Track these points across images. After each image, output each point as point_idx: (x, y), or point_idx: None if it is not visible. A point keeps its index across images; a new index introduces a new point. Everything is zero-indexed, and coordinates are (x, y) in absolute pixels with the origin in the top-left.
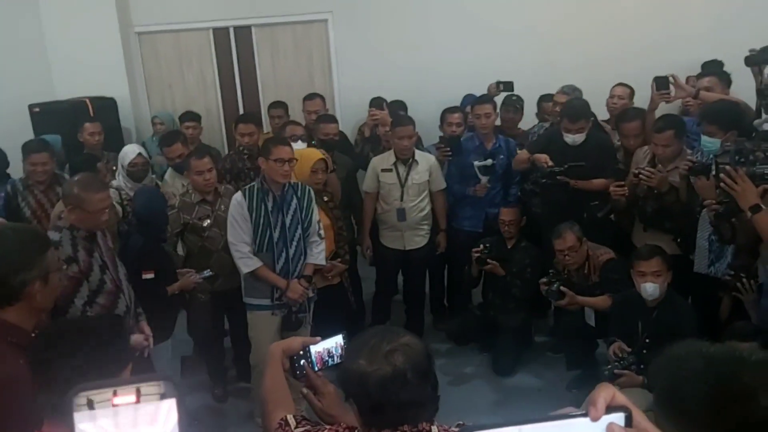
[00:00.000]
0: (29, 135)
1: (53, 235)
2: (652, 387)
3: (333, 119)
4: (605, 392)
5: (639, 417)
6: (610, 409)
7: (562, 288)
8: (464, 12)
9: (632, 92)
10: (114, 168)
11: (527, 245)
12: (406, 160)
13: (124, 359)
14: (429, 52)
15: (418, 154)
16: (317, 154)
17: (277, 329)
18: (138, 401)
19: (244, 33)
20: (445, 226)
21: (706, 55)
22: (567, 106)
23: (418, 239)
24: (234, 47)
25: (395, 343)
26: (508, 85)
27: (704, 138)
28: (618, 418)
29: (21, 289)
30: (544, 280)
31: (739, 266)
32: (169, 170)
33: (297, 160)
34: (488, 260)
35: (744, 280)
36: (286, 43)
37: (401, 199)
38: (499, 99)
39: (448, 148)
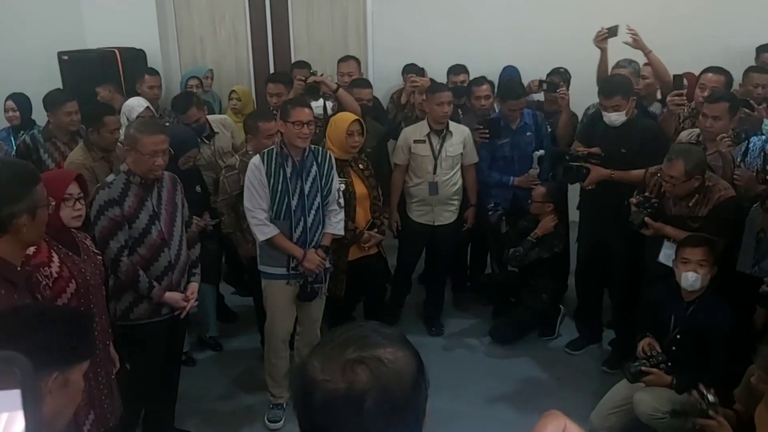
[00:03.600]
0: (57, 83)
1: (109, 177)
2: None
3: (368, 84)
4: (554, 423)
5: None
6: None
7: (646, 219)
8: None
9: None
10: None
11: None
12: (440, 131)
13: (76, 357)
14: (469, 19)
15: (452, 126)
16: (352, 115)
17: (293, 299)
18: None
19: None
20: (476, 202)
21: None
22: (603, 81)
23: (447, 215)
24: (268, 3)
25: (366, 353)
26: (552, 86)
27: (766, 120)
28: None
29: (8, 221)
30: (634, 201)
31: None
32: None
33: (320, 120)
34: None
35: None
36: (321, 3)
37: (434, 172)
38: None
39: (487, 131)
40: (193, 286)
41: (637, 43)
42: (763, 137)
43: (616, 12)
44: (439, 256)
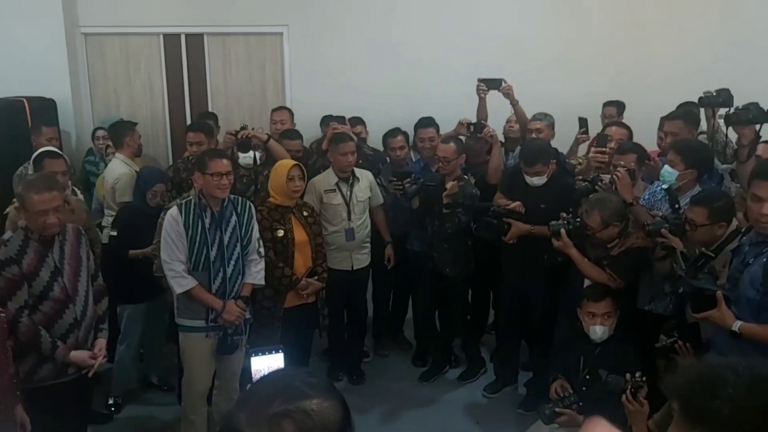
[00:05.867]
0: None
1: (6, 234)
2: (677, 398)
3: (296, 135)
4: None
5: None
6: None
7: (562, 231)
8: (422, 34)
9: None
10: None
11: (465, 183)
12: (347, 178)
13: None
14: (383, 72)
15: (357, 171)
16: (291, 161)
17: (211, 352)
18: None
19: (195, 40)
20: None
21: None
22: (524, 148)
23: (363, 257)
24: (185, 54)
25: (291, 406)
26: (478, 126)
27: (666, 167)
28: None
29: None
30: (562, 216)
31: (673, 327)
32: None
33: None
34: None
35: (680, 342)
36: (239, 54)
37: (349, 219)
38: None
39: (401, 183)
40: (101, 343)
41: (509, 96)
42: (662, 185)
43: (499, 69)
44: (360, 299)
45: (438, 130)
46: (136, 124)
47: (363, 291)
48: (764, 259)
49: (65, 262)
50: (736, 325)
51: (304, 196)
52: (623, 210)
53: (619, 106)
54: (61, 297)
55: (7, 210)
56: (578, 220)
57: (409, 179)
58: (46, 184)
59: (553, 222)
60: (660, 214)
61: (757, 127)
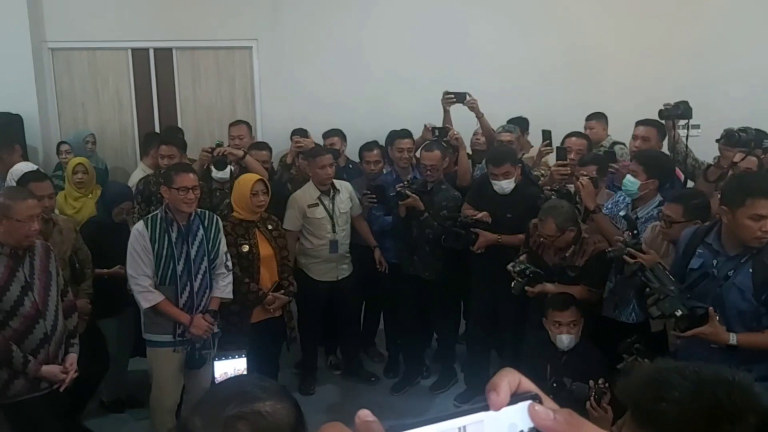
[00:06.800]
0: None
1: None
2: (626, 404)
3: (266, 146)
4: (510, 377)
5: (550, 403)
6: (516, 397)
7: (527, 288)
8: (391, 48)
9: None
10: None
11: (447, 187)
12: (328, 191)
13: None
14: (353, 86)
15: (336, 182)
16: (255, 176)
17: (179, 367)
18: None
19: (164, 55)
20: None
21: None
22: (490, 151)
23: (346, 266)
24: (153, 69)
25: (246, 408)
26: (443, 131)
27: (628, 177)
28: (523, 408)
29: None
30: (511, 269)
31: (632, 343)
32: None
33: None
34: (408, 194)
35: (639, 359)
36: (208, 68)
37: (333, 231)
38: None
39: (375, 196)
40: (72, 357)
41: (474, 109)
42: (624, 196)
43: (468, 82)
44: (348, 308)
45: (414, 143)
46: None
47: (353, 299)
48: (750, 270)
49: (36, 276)
50: (733, 338)
51: (287, 212)
52: (575, 214)
53: (601, 119)
54: (31, 312)
55: None
56: (531, 271)
57: (402, 185)
58: (27, 192)
59: (514, 283)
60: (621, 239)
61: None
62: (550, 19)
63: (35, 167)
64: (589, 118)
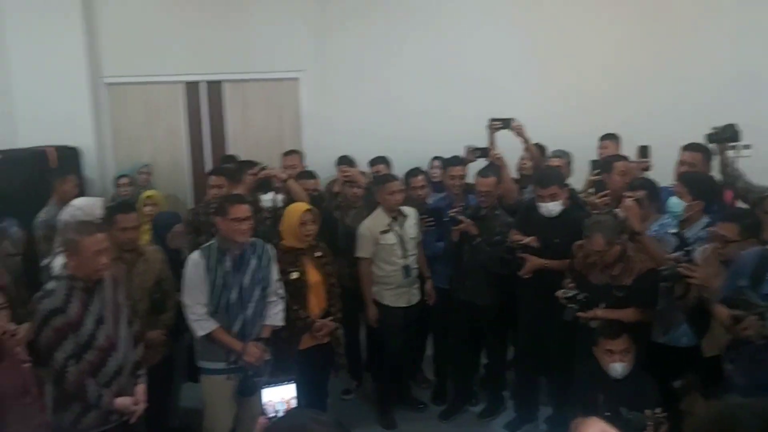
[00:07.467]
0: None
1: (49, 284)
2: None
3: (312, 175)
4: (596, 427)
5: None
6: None
7: (583, 297)
8: (437, 75)
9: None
10: None
11: (501, 212)
12: (396, 217)
13: None
14: (399, 114)
15: (403, 208)
16: (303, 205)
17: (232, 395)
18: None
19: (214, 87)
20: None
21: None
22: (537, 172)
23: (417, 292)
24: (205, 101)
25: None
26: (484, 151)
27: (672, 199)
28: None
29: None
30: (561, 295)
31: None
32: None
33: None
34: (462, 219)
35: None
36: (257, 99)
37: (404, 257)
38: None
39: (432, 219)
40: (142, 388)
41: (520, 134)
42: (670, 218)
43: (514, 103)
44: (416, 336)
45: (428, 179)
46: (255, 163)
47: (420, 326)
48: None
49: (106, 309)
50: None
51: (359, 241)
52: (618, 227)
53: (614, 139)
54: (105, 345)
55: (46, 261)
56: (583, 297)
57: (455, 210)
58: (94, 226)
59: (566, 309)
60: (673, 256)
61: None
62: (587, 44)
63: (95, 200)
64: (603, 138)
